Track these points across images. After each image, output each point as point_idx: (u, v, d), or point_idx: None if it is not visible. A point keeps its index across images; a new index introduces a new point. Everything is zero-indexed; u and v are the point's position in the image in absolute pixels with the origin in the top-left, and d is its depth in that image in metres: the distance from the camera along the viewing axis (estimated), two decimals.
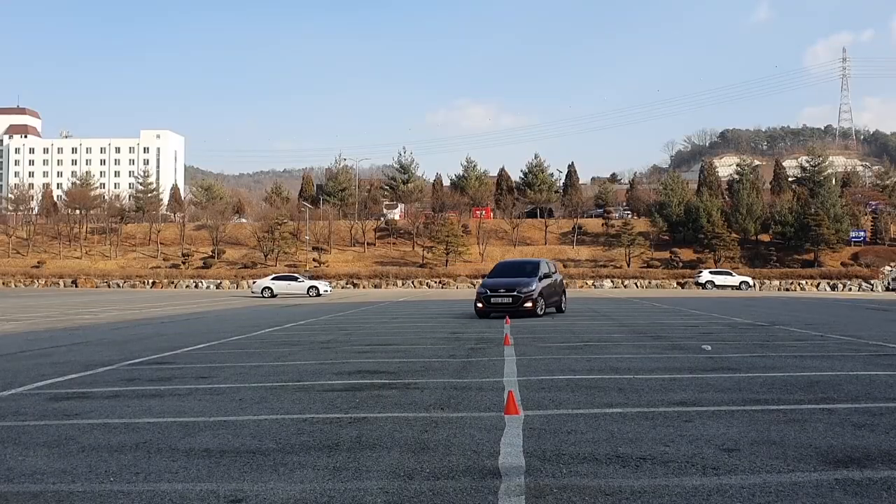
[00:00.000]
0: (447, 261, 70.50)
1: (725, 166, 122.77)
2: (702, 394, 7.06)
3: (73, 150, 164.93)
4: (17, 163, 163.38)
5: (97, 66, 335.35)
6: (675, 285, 64.17)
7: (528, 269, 20.50)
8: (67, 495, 4.05)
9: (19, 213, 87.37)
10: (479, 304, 19.11)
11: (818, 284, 62.81)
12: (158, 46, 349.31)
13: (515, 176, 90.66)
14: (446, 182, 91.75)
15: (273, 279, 44.45)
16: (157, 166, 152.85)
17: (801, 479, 4.16)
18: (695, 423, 5.66)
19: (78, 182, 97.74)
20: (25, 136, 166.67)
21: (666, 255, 71.21)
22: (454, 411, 6.30)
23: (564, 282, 24.12)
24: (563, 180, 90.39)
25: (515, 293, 18.79)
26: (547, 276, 20.29)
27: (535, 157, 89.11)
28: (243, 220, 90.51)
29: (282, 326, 17.35)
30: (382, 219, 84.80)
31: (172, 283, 68.05)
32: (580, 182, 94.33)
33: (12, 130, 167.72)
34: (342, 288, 62.86)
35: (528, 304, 18.65)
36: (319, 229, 77.22)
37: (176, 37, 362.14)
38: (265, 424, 5.85)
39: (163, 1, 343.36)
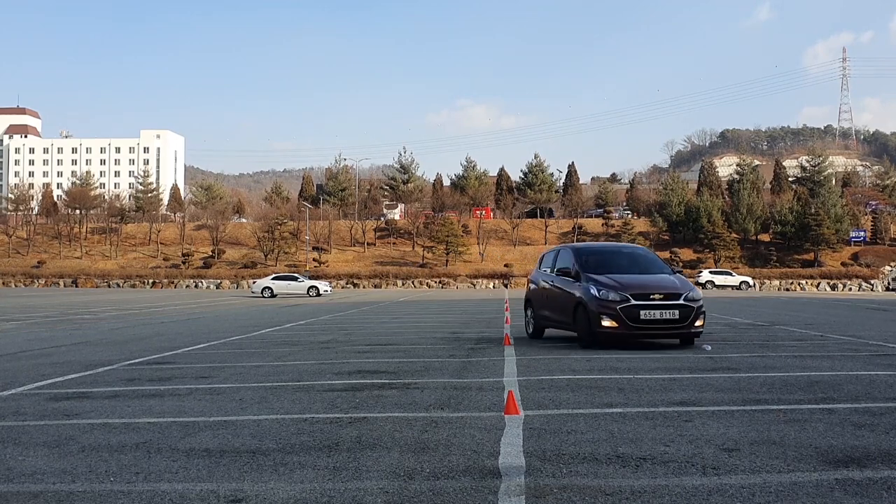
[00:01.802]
0: (447, 261, 70.51)
1: (725, 166, 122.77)
2: (702, 394, 7.06)
3: (73, 150, 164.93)
4: (17, 163, 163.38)
5: (97, 66, 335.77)
6: None
7: (649, 260, 12.55)
8: (67, 495, 4.05)
9: (19, 213, 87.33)
10: (611, 322, 10.66)
11: (818, 284, 62.83)
12: (158, 46, 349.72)
13: (515, 176, 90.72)
14: (446, 182, 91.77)
15: (273, 279, 44.47)
16: (157, 166, 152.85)
17: (801, 479, 4.16)
18: (695, 423, 5.66)
19: (78, 182, 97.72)
20: (25, 136, 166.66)
21: (666, 255, 71.13)
22: (454, 411, 6.30)
23: None
24: (563, 180, 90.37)
25: (682, 303, 10.84)
26: (682, 273, 12.59)
27: (535, 156, 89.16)
28: (243, 220, 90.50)
29: (282, 326, 17.35)
30: (382, 219, 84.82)
31: (172, 283, 68.06)
32: (580, 182, 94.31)
33: (12, 130, 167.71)
34: (342, 288, 62.85)
35: (700, 322, 11.09)
36: (319, 229, 77.20)
37: (176, 37, 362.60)
38: (265, 424, 5.85)
39: (163, 1, 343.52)
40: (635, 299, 10.67)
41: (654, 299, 10.76)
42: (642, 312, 10.62)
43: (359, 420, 5.96)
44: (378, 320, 19.53)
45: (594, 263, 11.88)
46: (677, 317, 10.75)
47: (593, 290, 10.98)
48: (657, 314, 10.68)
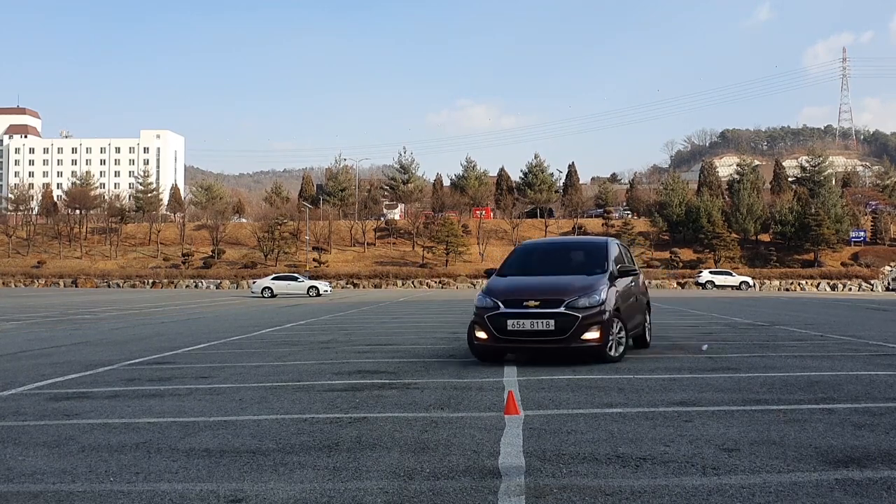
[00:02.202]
0: (447, 261, 70.54)
1: (725, 166, 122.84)
2: (702, 394, 7.06)
3: (73, 150, 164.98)
4: (17, 163, 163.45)
5: (97, 66, 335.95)
6: (675, 285, 64.18)
7: (585, 256, 10.43)
8: (67, 495, 4.05)
9: (19, 213, 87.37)
10: (482, 333, 9.25)
11: (818, 284, 62.86)
12: (158, 46, 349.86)
13: (515, 176, 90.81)
14: (446, 182, 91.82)
15: (273, 279, 44.50)
16: (157, 166, 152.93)
17: (801, 479, 4.16)
18: (695, 423, 5.66)
19: (78, 182, 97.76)
20: (25, 136, 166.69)
21: (666, 255, 71.22)
22: (454, 411, 6.30)
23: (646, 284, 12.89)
24: (563, 180, 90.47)
25: (562, 310, 8.84)
26: (627, 272, 10.35)
27: (535, 156, 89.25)
28: (243, 220, 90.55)
29: (282, 326, 17.35)
30: (382, 219, 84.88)
31: (172, 283, 68.08)
32: (580, 182, 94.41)
33: (12, 130, 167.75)
34: (342, 288, 62.85)
35: (592, 335, 8.91)
36: (319, 229, 77.21)
37: (176, 37, 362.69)
38: (265, 424, 5.85)
39: (163, 1, 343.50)
40: (506, 306, 9.02)
41: (527, 306, 8.93)
42: (510, 322, 8.91)
43: (359, 420, 5.96)
44: (378, 320, 19.53)
45: (515, 263, 10.54)
46: (553, 328, 8.79)
47: (477, 297, 9.65)
48: (527, 324, 8.85)
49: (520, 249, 11.31)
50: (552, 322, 8.81)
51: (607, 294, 9.16)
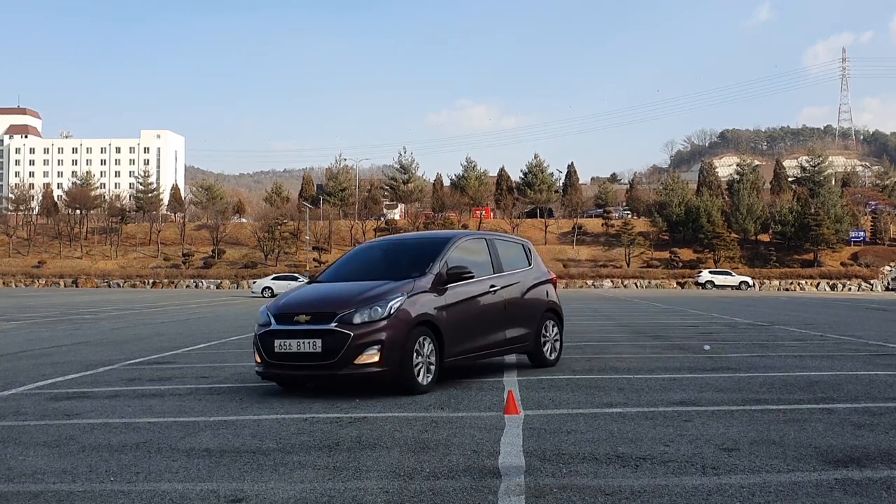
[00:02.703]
0: None
1: (725, 166, 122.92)
2: (702, 393, 7.06)
3: (74, 150, 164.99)
4: (17, 163, 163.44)
5: (97, 66, 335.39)
6: (675, 285, 64.20)
7: (415, 256, 8.27)
8: (68, 495, 4.05)
9: (20, 212, 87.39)
10: (257, 356, 7.46)
11: (818, 284, 62.88)
12: (159, 46, 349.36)
13: (515, 176, 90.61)
14: (446, 182, 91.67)
15: (273, 279, 44.55)
16: (158, 166, 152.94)
17: (801, 479, 4.16)
18: (695, 423, 5.66)
19: (78, 182, 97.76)
20: (25, 136, 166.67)
21: (666, 255, 71.22)
22: (454, 411, 6.31)
23: (555, 290, 9.93)
24: (563, 180, 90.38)
25: (332, 327, 6.99)
26: (463, 273, 7.90)
27: (535, 156, 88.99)
28: (243, 220, 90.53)
29: None
30: (382, 219, 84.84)
31: (173, 283, 68.10)
32: (580, 182, 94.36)
33: (12, 130, 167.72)
34: None
35: (370, 359, 6.93)
36: (320, 229, 77.24)
37: (176, 37, 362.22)
38: (265, 424, 5.86)
39: (163, 1, 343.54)
40: (278, 322, 7.29)
41: (297, 322, 7.15)
42: (276, 342, 7.15)
43: (359, 420, 5.97)
44: None
45: (337, 266, 8.79)
46: (319, 350, 6.96)
47: (260, 310, 7.88)
48: (294, 345, 7.06)
49: (355, 249, 9.56)
50: (318, 342, 6.97)
51: (405, 304, 7.17)
